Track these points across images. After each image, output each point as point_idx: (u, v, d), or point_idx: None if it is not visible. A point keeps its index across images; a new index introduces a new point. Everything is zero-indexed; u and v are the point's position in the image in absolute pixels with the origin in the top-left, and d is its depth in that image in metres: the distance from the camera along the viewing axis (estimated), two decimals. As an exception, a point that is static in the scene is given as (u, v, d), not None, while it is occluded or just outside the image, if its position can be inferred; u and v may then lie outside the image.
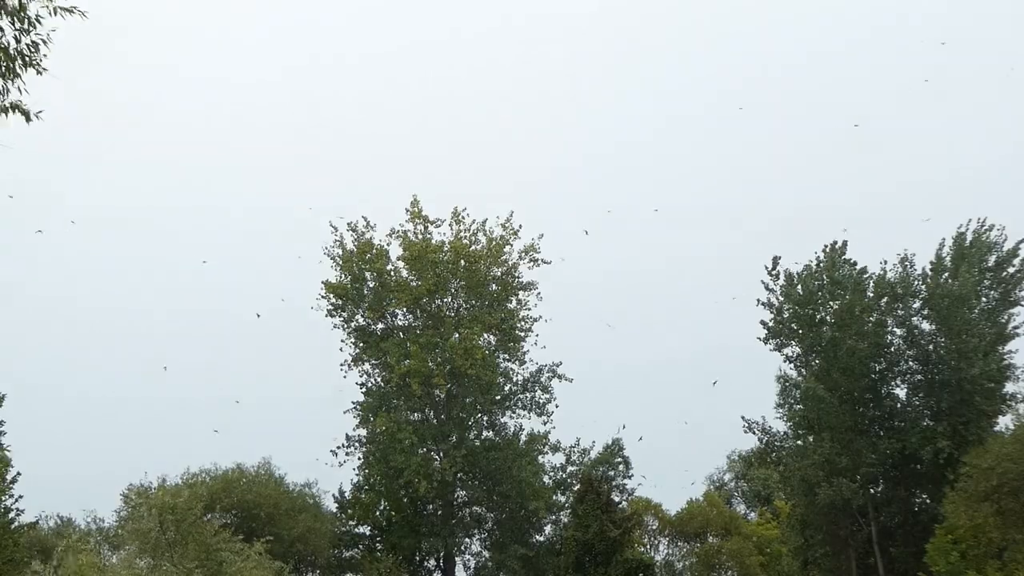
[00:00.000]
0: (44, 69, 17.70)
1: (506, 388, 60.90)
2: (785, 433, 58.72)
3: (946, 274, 55.30)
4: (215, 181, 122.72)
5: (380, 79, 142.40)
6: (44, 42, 17.59)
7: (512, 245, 60.87)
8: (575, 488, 59.97)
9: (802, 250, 61.60)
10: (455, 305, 60.94)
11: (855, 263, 56.23)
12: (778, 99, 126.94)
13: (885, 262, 56.51)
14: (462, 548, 61.36)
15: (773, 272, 56.95)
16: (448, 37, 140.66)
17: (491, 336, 60.51)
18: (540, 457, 61.11)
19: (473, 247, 60.32)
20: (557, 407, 61.37)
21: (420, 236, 60.51)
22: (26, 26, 17.22)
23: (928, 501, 54.69)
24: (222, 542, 36.07)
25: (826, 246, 56.90)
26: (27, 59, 17.56)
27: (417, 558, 61.62)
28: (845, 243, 56.61)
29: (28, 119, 17.72)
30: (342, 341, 60.77)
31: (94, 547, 51.64)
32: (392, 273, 60.29)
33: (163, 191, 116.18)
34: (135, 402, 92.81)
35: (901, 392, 56.87)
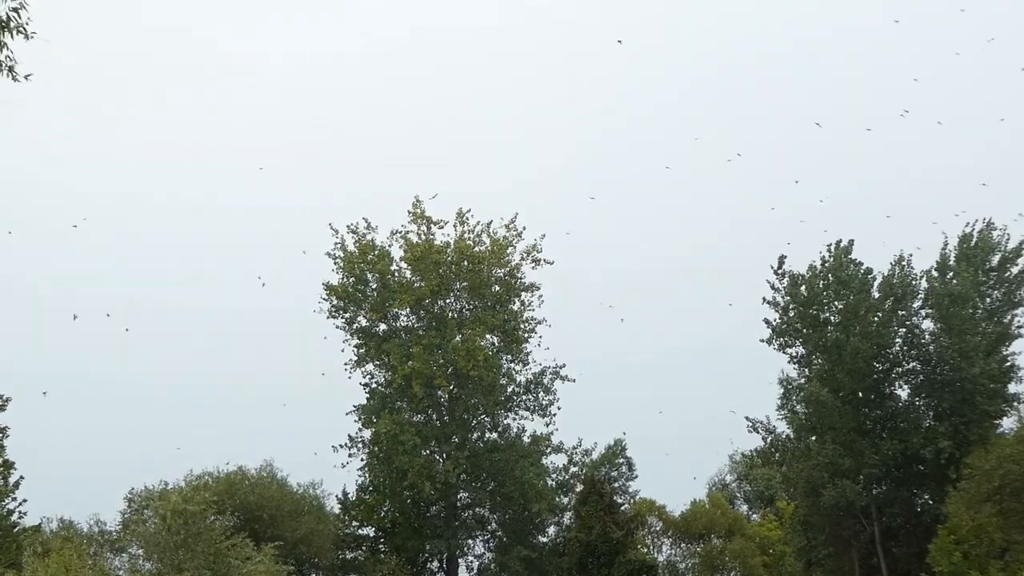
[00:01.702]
0: (33, 33, 17.78)
1: (509, 389, 60.93)
2: (787, 435, 58.82)
3: (950, 274, 55.42)
4: (215, 180, 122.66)
5: (380, 78, 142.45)
6: (23, 7, 17.67)
7: (515, 246, 60.92)
8: (578, 489, 60.08)
9: (804, 249, 61.59)
10: (458, 306, 60.93)
11: (860, 263, 56.29)
12: (779, 99, 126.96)
13: (896, 263, 56.62)
14: (465, 550, 61.39)
15: (779, 271, 56.99)
16: (447, 36, 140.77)
17: (494, 337, 60.54)
18: (543, 458, 61.16)
19: (476, 248, 60.33)
20: (560, 408, 61.51)
21: (422, 237, 60.51)
22: None
23: (930, 501, 54.84)
24: (231, 548, 36.04)
25: (830, 245, 56.93)
26: (4, 23, 17.64)
27: (420, 560, 61.64)
28: (851, 242, 56.67)
29: (15, 78, 17.87)
30: (344, 342, 60.87)
31: (96, 551, 51.62)
32: (395, 274, 60.30)
33: (162, 190, 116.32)
34: (136, 403, 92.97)
35: (903, 392, 57.02)
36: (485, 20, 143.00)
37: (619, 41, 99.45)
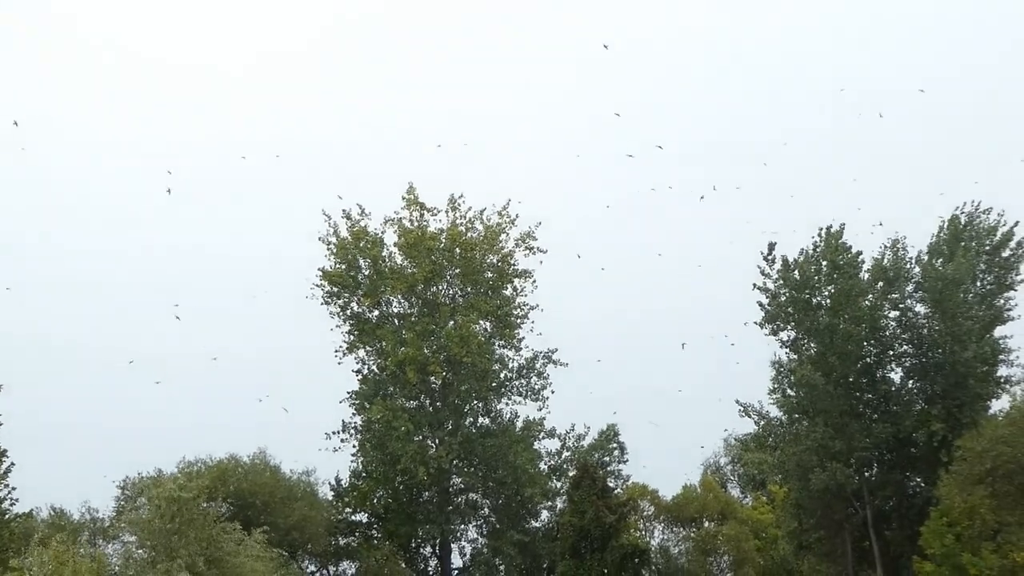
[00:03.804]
0: None
1: (502, 375, 60.94)
2: (779, 419, 58.89)
3: (940, 259, 55.48)
4: (206, 166, 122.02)
5: (373, 68, 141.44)
6: None
7: (508, 233, 60.89)
8: (571, 474, 60.12)
9: (799, 233, 61.37)
10: (451, 292, 60.91)
11: (850, 246, 56.29)
12: (775, 90, 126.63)
13: (884, 246, 56.76)
14: (458, 535, 61.51)
15: (769, 257, 57.00)
16: (443, 24, 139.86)
17: (487, 323, 60.51)
18: (536, 443, 61.24)
19: (469, 234, 60.25)
20: (553, 393, 61.60)
21: (416, 223, 60.43)
22: None
23: (923, 484, 54.95)
24: (222, 532, 36.02)
25: (821, 229, 56.90)
26: None
27: (413, 545, 61.78)
28: (843, 226, 56.64)
29: None
30: (337, 327, 60.78)
31: (88, 538, 51.52)
32: (387, 260, 60.22)
33: (153, 178, 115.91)
34: (128, 392, 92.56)
35: (895, 376, 57.12)
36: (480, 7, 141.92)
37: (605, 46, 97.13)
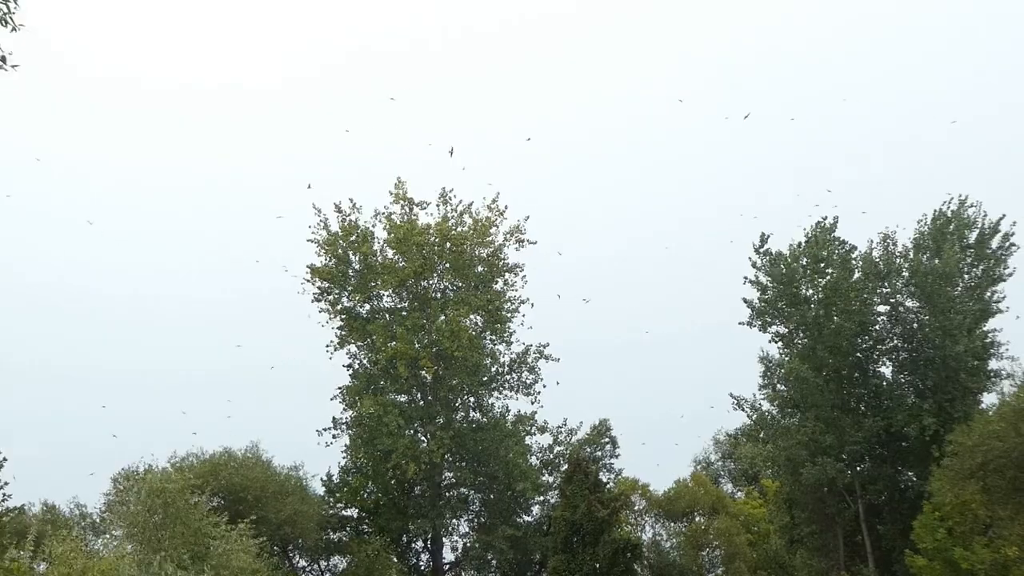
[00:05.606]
0: (21, 25, 17.98)
1: (493, 369, 60.81)
2: (771, 413, 58.82)
3: (927, 253, 55.43)
4: (196, 158, 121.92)
5: (366, 59, 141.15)
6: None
7: (498, 226, 60.76)
8: (562, 468, 60.04)
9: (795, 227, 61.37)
10: (441, 286, 60.76)
11: (844, 241, 56.21)
12: (773, 87, 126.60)
13: (871, 241, 56.77)
14: (449, 529, 61.39)
15: (762, 250, 56.86)
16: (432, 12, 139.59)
17: (477, 317, 60.38)
18: (527, 438, 61.18)
19: (459, 228, 60.09)
20: (544, 387, 61.50)
21: (405, 218, 60.25)
22: None
23: (914, 478, 54.92)
24: (210, 526, 35.80)
25: (819, 222, 56.77)
26: None
27: (404, 540, 61.63)
28: (836, 220, 56.55)
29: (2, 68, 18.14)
30: (328, 322, 60.59)
31: (79, 533, 51.32)
32: (378, 254, 60.03)
33: (146, 170, 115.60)
34: (121, 387, 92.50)
35: (886, 370, 57.06)
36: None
37: None
